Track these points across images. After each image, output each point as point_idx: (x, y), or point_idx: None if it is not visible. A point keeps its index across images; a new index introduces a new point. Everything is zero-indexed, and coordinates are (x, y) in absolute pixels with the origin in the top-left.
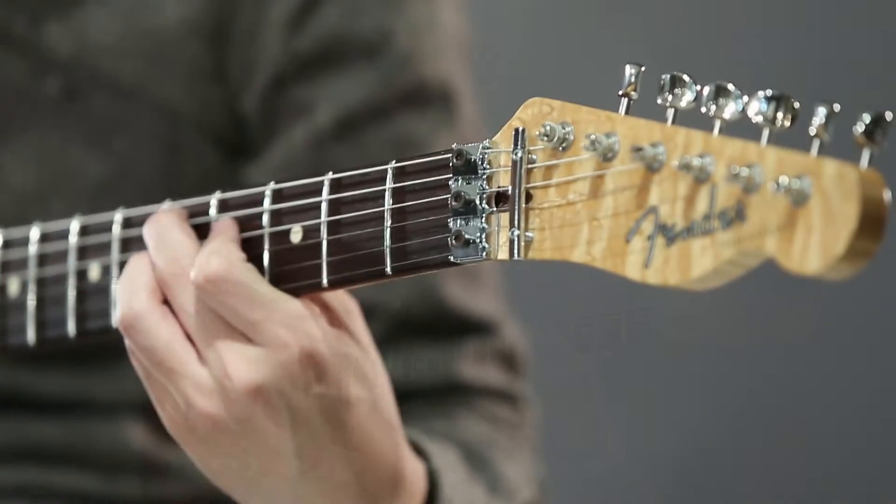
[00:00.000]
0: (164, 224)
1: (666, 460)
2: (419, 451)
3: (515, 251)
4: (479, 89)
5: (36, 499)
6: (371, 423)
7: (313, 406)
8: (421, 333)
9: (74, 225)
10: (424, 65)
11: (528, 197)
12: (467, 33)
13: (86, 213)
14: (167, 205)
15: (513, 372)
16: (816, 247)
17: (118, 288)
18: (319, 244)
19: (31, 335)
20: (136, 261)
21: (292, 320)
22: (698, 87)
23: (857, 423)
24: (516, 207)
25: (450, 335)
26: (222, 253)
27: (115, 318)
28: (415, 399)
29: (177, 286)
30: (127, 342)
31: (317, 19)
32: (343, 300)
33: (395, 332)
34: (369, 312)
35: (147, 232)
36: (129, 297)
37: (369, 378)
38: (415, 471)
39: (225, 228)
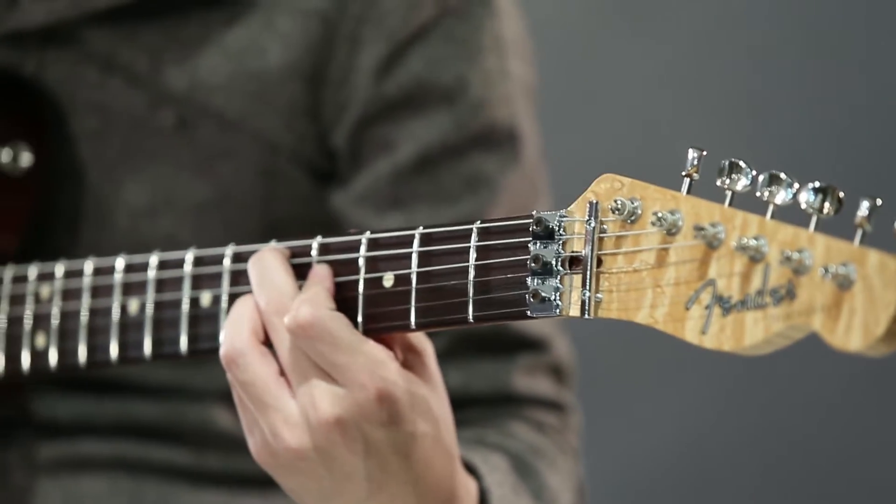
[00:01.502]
0: (268, 264)
1: (662, 458)
2: (471, 469)
3: (587, 310)
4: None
5: (132, 470)
6: (433, 454)
7: (385, 439)
8: (481, 349)
9: (189, 255)
10: (495, 110)
11: (599, 262)
12: (534, 79)
13: (191, 229)
14: (272, 244)
15: (561, 383)
16: (859, 327)
17: (224, 325)
18: (409, 291)
19: (148, 350)
20: (242, 302)
21: (371, 365)
22: (753, 173)
23: (857, 421)
24: (589, 271)
25: (506, 351)
26: (313, 302)
27: (220, 353)
28: (471, 407)
29: (276, 324)
30: (228, 375)
31: (402, 68)
32: (419, 341)
33: (458, 347)
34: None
35: (252, 269)
36: (233, 336)
37: (434, 414)
38: (467, 490)
39: (321, 277)
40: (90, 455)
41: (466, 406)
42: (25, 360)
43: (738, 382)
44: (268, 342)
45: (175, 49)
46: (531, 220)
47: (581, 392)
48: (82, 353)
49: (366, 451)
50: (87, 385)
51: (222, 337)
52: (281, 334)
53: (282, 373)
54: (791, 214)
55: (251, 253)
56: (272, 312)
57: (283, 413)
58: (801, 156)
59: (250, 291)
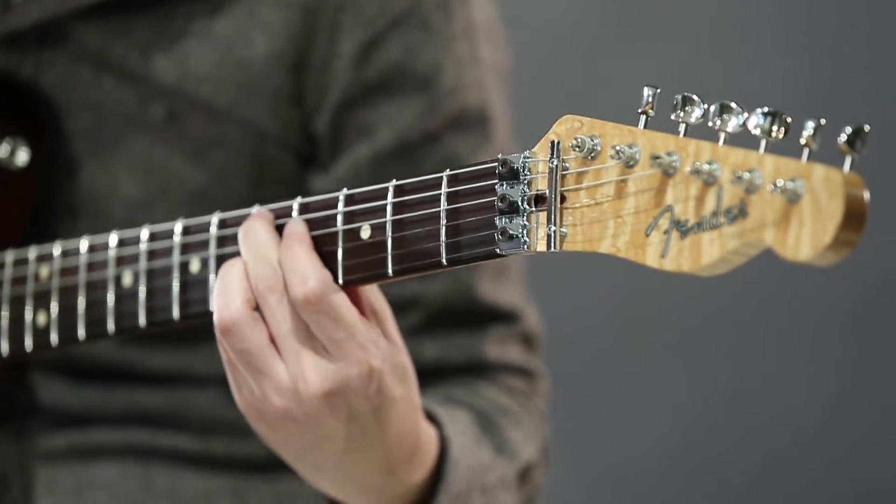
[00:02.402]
0: (258, 237)
1: (659, 457)
2: (434, 419)
3: (552, 244)
4: (516, 102)
5: (142, 457)
6: (405, 412)
7: (368, 408)
8: (455, 323)
9: (178, 226)
10: (467, 94)
11: (563, 198)
12: (506, 62)
13: (185, 217)
14: (256, 208)
15: (531, 350)
16: (807, 238)
17: (215, 293)
18: (385, 241)
19: (142, 319)
20: (231, 268)
21: (366, 342)
22: (705, 105)
23: (854, 420)
24: (553, 207)
25: (479, 323)
26: (318, 276)
27: (214, 321)
28: (446, 376)
29: (272, 300)
30: (219, 338)
31: (380, 54)
32: (379, 302)
33: (434, 321)
34: (412, 303)
35: (243, 242)
36: (226, 304)
37: (409, 377)
38: (428, 437)
39: (301, 236)
40: (101, 443)
41: (441, 375)
42: (28, 339)
43: (734, 381)
44: (257, 308)
45: (164, 42)
46: (497, 163)
47: (578, 391)
48: (81, 328)
49: (349, 418)
50: (94, 376)
51: (215, 306)
52: (273, 308)
53: (272, 340)
54: (744, 142)
55: (236, 218)
56: (265, 289)
57: (274, 380)
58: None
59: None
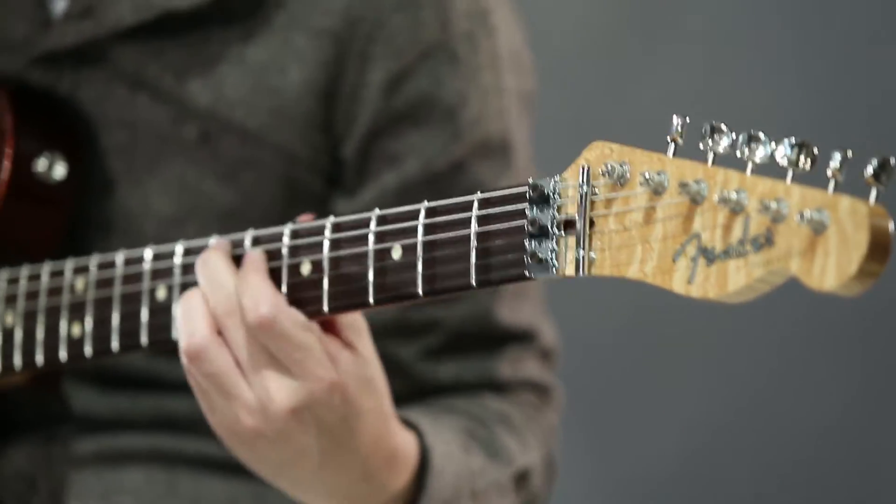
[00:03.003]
0: (213, 265)
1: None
2: (416, 428)
3: (581, 268)
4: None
5: (167, 462)
6: (375, 422)
7: (335, 420)
8: (473, 344)
9: (212, 241)
10: (490, 123)
11: (592, 223)
12: (529, 89)
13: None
14: (213, 239)
15: (546, 366)
16: (833, 268)
17: (179, 322)
18: (416, 261)
19: (174, 332)
20: (191, 297)
21: (324, 359)
22: (734, 135)
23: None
24: (582, 232)
25: (496, 344)
26: (268, 300)
27: (181, 349)
28: (457, 391)
29: (229, 323)
30: (186, 365)
31: (409, 84)
32: (356, 319)
33: (452, 343)
34: (432, 325)
35: (199, 271)
36: (192, 331)
37: (378, 388)
38: (406, 444)
39: (257, 264)
40: (127, 448)
41: (455, 391)
42: (63, 350)
43: (745, 388)
44: (220, 333)
45: (198, 65)
46: (528, 188)
47: (589, 397)
48: (115, 340)
49: (318, 432)
50: (123, 383)
51: (181, 334)
52: (233, 332)
53: (237, 362)
54: (771, 172)
55: (269, 235)
56: (223, 314)
57: (242, 400)
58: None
59: None
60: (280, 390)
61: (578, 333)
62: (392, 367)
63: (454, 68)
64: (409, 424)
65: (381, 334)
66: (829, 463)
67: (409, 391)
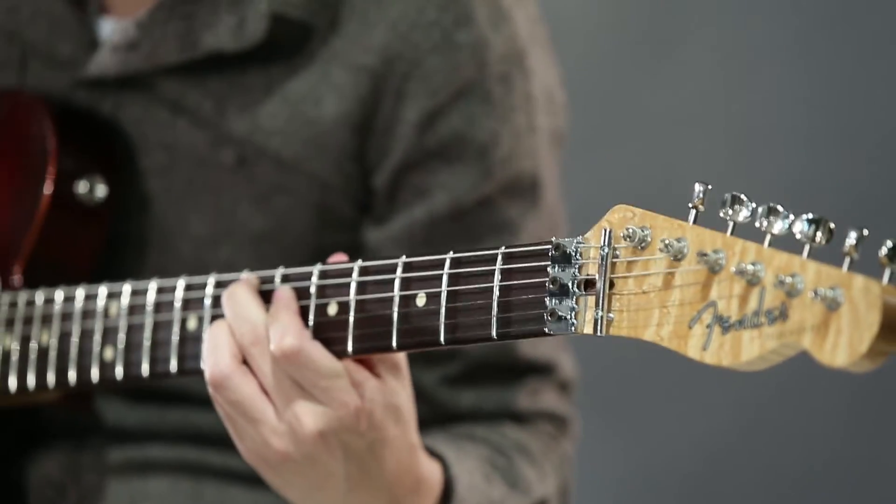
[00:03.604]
0: (239, 298)
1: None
2: (441, 458)
3: (599, 328)
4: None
5: (193, 472)
6: (401, 450)
7: (362, 445)
8: (493, 374)
9: (244, 275)
10: (521, 162)
11: (612, 284)
12: (562, 125)
13: (249, 257)
14: (245, 275)
15: (563, 397)
16: (844, 345)
17: (205, 353)
18: (439, 310)
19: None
20: (216, 328)
21: (348, 386)
22: (753, 205)
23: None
24: (602, 293)
25: (516, 375)
26: (293, 331)
27: (206, 378)
28: (476, 419)
29: (255, 352)
30: (212, 393)
31: (442, 122)
32: (393, 358)
33: (473, 373)
34: (454, 355)
35: (225, 305)
36: (216, 361)
37: (404, 417)
38: (431, 473)
39: (287, 301)
40: (155, 459)
41: (474, 419)
42: (95, 372)
43: (751, 394)
44: (245, 363)
45: (238, 96)
46: (551, 246)
47: (596, 405)
48: (146, 366)
49: (345, 456)
50: (151, 396)
51: (206, 364)
52: (259, 361)
53: (262, 389)
54: (787, 245)
55: (299, 274)
56: (249, 343)
57: (270, 425)
58: (821, 186)
59: None
60: (307, 414)
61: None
62: (414, 392)
63: (488, 108)
64: (434, 453)
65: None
66: (842, 463)
67: (430, 417)
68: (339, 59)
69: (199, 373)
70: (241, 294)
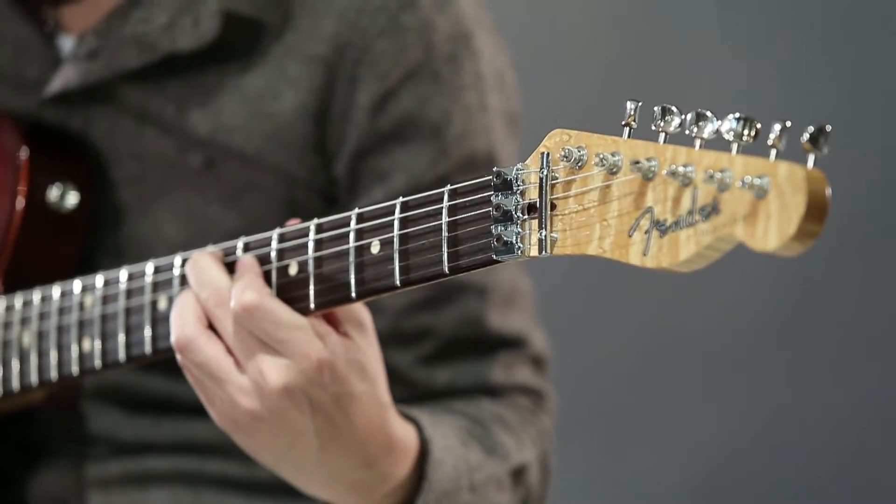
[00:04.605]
0: (202, 264)
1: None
2: (415, 422)
3: (544, 248)
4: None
5: (191, 482)
6: (370, 407)
7: (328, 399)
8: (466, 350)
9: (209, 248)
10: (475, 140)
11: (553, 206)
12: (514, 108)
13: None
14: (209, 248)
15: (538, 372)
16: (774, 229)
17: (171, 319)
18: (392, 254)
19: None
20: (184, 295)
21: (310, 338)
22: (683, 115)
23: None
24: (544, 214)
25: (488, 350)
26: (254, 287)
27: (171, 342)
28: (453, 395)
29: (219, 314)
30: (179, 359)
31: (394, 104)
32: (360, 314)
33: (446, 350)
34: (425, 333)
35: (189, 271)
36: (181, 325)
37: (371, 374)
38: (406, 434)
39: (250, 266)
40: (152, 470)
41: (451, 395)
42: (75, 365)
43: (761, 408)
44: (211, 328)
45: (198, 96)
46: (492, 176)
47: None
48: (122, 352)
49: (312, 411)
50: (145, 408)
51: (171, 329)
52: (224, 322)
53: (228, 351)
54: (721, 148)
55: (258, 241)
56: (213, 305)
57: (236, 384)
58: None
59: None
60: (271, 370)
61: (596, 349)
62: (389, 374)
63: (438, 88)
64: (409, 418)
65: (379, 344)
66: (846, 476)
67: (406, 397)
68: (293, 52)
69: (172, 351)
70: (203, 260)
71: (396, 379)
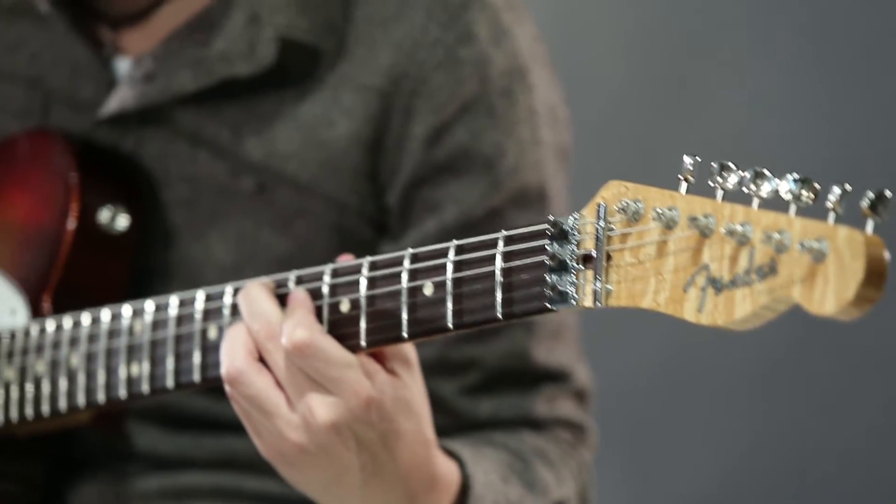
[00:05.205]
0: (254, 296)
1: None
2: (457, 457)
3: (598, 299)
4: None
5: (229, 499)
6: (414, 444)
7: (374, 436)
8: (510, 382)
9: (263, 279)
10: (527, 174)
11: (608, 257)
12: (565, 143)
13: None
14: (263, 279)
15: (580, 406)
16: (832, 294)
17: (221, 351)
18: (445, 297)
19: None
20: (235, 327)
21: (359, 376)
22: (741, 172)
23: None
24: (599, 266)
25: (532, 383)
26: (306, 324)
27: (221, 375)
28: (496, 426)
29: (270, 347)
30: (229, 390)
31: (449, 136)
32: (407, 352)
33: (491, 381)
34: (471, 364)
35: (241, 302)
36: (232, 357)
37: (416, 411)
38: (448, 471)
39: (302, 300)
40: (191, 485)
41: (493, 426)
42: (122, 389)
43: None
44: (262, 360)
45: (253, 122)
46: (548, 225)
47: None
48: (170, 379)
49: (358, 448)
50: (186, 424)
51: (222, 361)
52: (274, 355)
53: (277, 384)
54: (776, 208)
55: (310, 274)
56: (264, 337)
57: (285, 418)
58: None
59: None
60: (320, 406)
61: (615, 369)
62: (433, 403)
63: (492, 122)
64: (451, 454)
65: (423, 372)
66: (871, 488)
67: (449, 426)
68: (348, 81)
69: (221, 380)
70: (255, 292)
71: (440, 408)
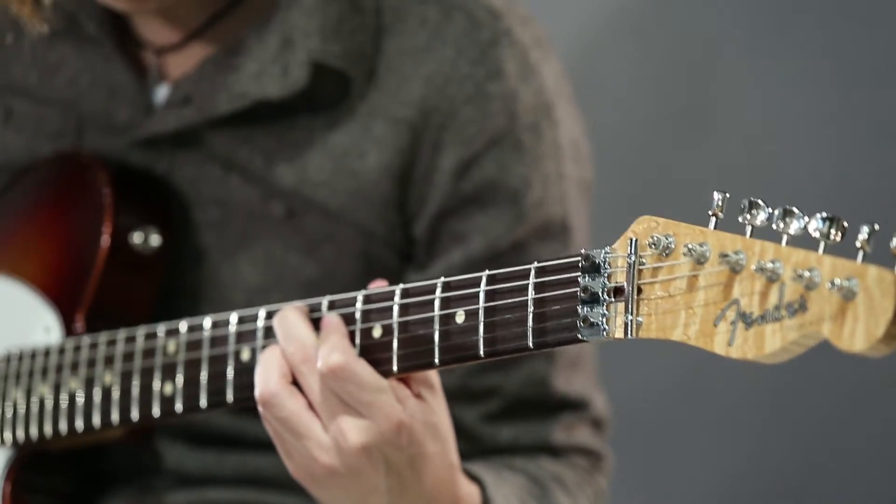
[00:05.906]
0: (290, 319)
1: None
2: (478, 480)
3: (629, 331)
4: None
5: None
6: (440, 466)
7: (403, 460)
8: (530, 410)
9: (297, 303)
10: (551, 207)
11: (639, 290)
12: (587, 177)
13: None
14: (297, 303)
15: (597, 433)
16: (861, 331)
17: (256, 374)
18: (477, 325)
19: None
20: (269, 351)
21: (391, 401)
22: (770, 209)
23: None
24: (630, 298)
25: (551, 411)
26: (341, 348)
27: (255, 397)
28: (515, 452)
29: (304, 370)
30: (262, 411)
31: (477, 169)
32: (429, 377)
33: (511, 409)
34: (492, 392)
35: (276, 326)
36: (266, 379)
37: (442, 435)
38: (469, 494)
39: (336, 325)
40: (216, 501)
41: (513, 452)
42: (156, 407)
43: (768, 430)
44: (294, 383)
45: (285, 150)
46: (580, 258)
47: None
48: (203, 399)
49: (387, 470)
50: (211, 440)
51: (256, 383)
52: (308, 378)
53: (310, 406)
54: (803, 245)
55: (343, 300)
56: (299, 360)
57: (317, 440)
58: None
59: None
60: (352, 429)
61: (623, 383)
62: (455, 429)
63: (519, 156)
64: (473, 477)
65: (446, 399)
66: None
67: (469, 451)
68: (380, 112)
69: (254, 401)
70: (291, 316)
71: (461, 434)
